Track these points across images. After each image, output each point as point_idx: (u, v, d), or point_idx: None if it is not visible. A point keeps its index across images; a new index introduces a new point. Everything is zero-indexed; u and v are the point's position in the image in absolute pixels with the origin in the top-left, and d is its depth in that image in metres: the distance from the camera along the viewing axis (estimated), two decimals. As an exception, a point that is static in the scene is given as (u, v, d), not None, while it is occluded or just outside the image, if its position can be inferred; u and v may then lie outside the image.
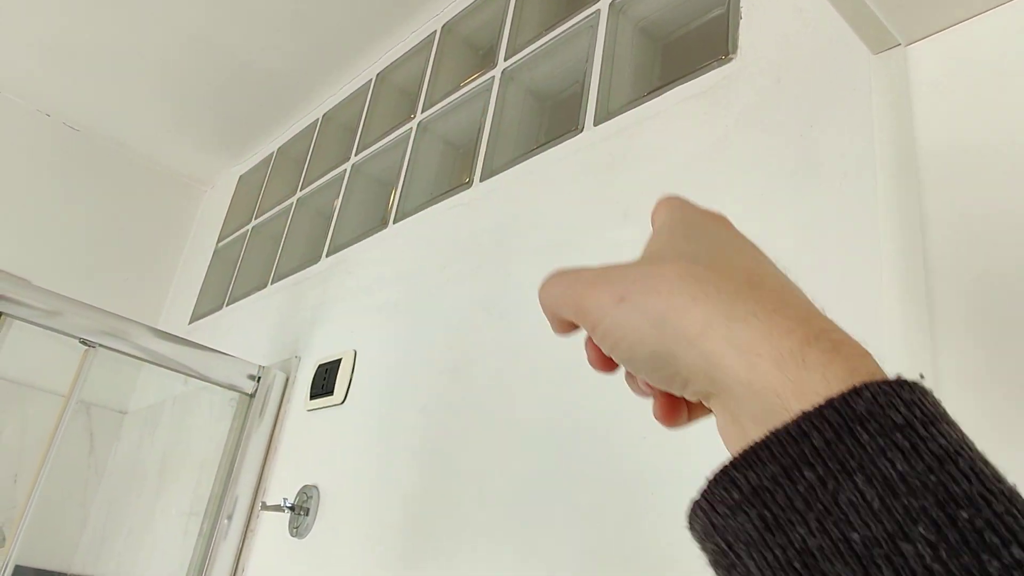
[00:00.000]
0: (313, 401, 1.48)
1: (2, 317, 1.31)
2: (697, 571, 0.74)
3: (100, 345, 1.40)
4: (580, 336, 0.33)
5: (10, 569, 1.38)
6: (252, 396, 1.58)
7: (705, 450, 0.78)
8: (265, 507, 1.40)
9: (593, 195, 1.10)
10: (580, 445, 0.93)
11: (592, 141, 1.16)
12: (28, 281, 1.37)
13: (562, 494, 0.92)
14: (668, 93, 1.06)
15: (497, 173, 1.33)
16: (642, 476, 0.84)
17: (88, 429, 2.23)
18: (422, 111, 1.63)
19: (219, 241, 2.32)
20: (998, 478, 0.21)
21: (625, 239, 1.01)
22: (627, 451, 0.87)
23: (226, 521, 1.51)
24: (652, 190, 1.01)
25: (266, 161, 2.30)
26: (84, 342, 1.39)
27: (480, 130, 1.43)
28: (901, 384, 0.23)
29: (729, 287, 0.27)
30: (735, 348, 0.26)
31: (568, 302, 0.32)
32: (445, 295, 1.30)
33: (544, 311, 0.34)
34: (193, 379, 1.58)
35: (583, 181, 1.14)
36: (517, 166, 1.29)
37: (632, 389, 0.34)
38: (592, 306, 0.30)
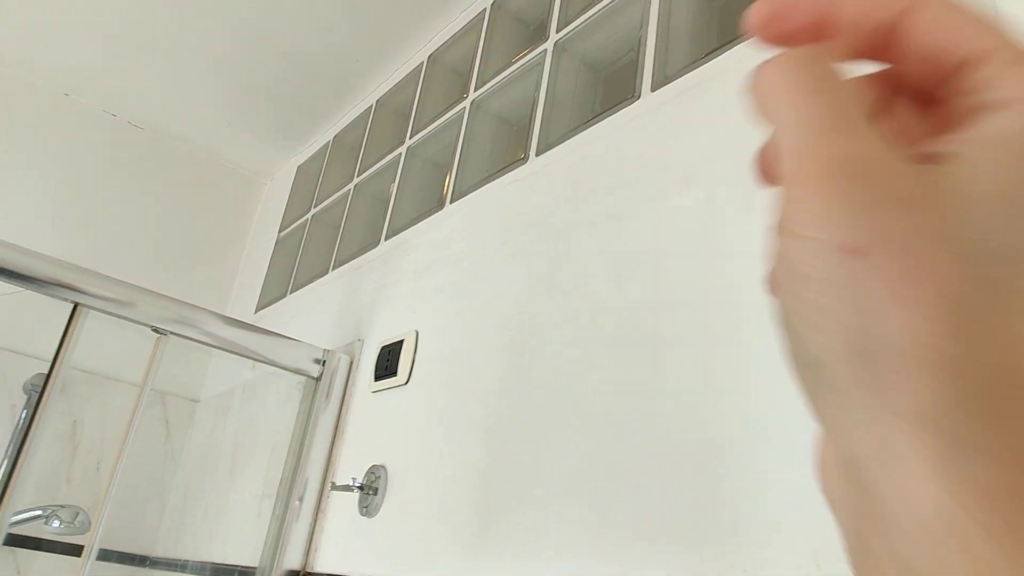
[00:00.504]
0: (378, 383, 1.49)
1: (79, 308, 1.35)
2: (763, 537, 0.71)
3: (171, 333, 1.43)
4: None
5: (95, 552, 1.43)
6: (318, 380, 1.61)
7: (772, 417, 0.76)
8: (335, 487, 1.42)
9: (653, 162, 1.08)
10: (648, 414, 0.91)
11: (650, 107, 1.13)
12: (101, 274, 1.41)
13: (633, 463, 0.91)
14: (729, 52, 1.02)
15: (553, 147, 1.31)
16: (712, 442, 0.82)
17: (164, 418, 2.30)
18: (475, 90, 1.62)
19: (280, 231, 2.36)
20: None
21: (688, 205, 0.98)
22: (696, 418, 0.85)
23: (297, 503, 1.54)
24: (715, 153, 0.98)
25: (323, 150, 2.33)
26: (156, 330, 1.42)
27: (534, 105, 1.41)
28: None
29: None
30: (944, 506, 0.14)
31: (788, 139, 0.18)
32: (505, 272, 1.29)
33: (754, 105, 0.20)
34: (261, 364, 1.61)
35: (642, 148, 1.11)
36: (573, 138, 1.27)
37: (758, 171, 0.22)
38: (804, 198, 0.16)
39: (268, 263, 2.34)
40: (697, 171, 0.99)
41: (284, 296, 2.14)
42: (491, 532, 1.07)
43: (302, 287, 2.05)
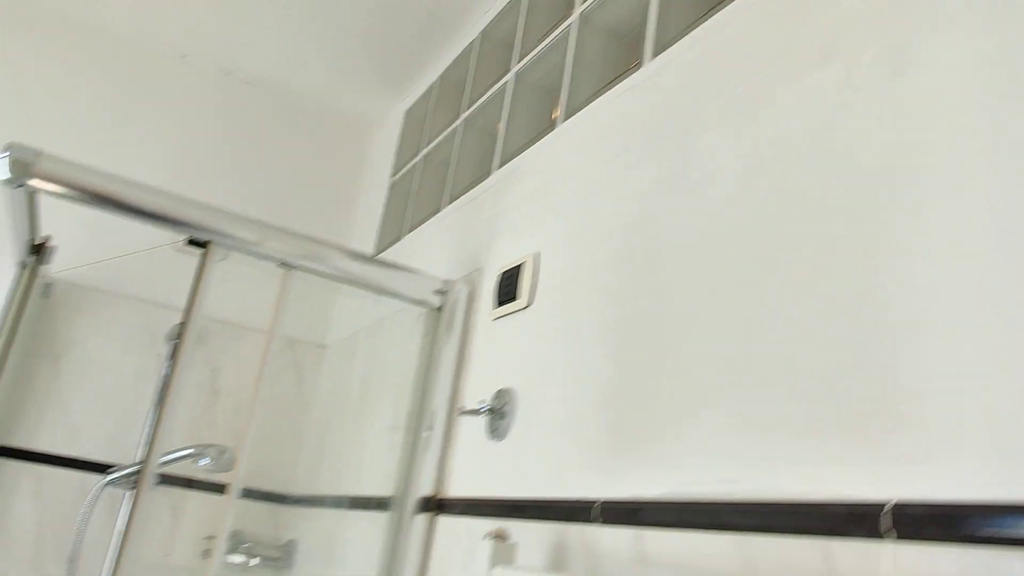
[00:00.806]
0: (498, 309, 1.48)
1: (210, 245, 1.40)
2: (937, 429, 0.63)
3: (298, 267, 1.47)
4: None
5: (239, 490, 1.48)
6: (440, 310, 1.61)
7: (935, 300, 0.68)
8: (464, 412, 1.43)
9: (783, 42, 0.99)
10: (791, 307, 0.85)
11: (778, -15, 1.04)
12: (232, 212, 1.45)
13: (779, 361, 0.85)
14: (868, -93, 0.92)
15: (670, 46, 1.24)
16: (870, 330, 0.75)
17: (294, 363, 2.40)
18: (581, 2, 1.56)
19: (393, 175, 2.38)
20: None
21: (827, 82, 0.90)
22: (848, 307, 0.78)
23: (427, 432, 1.56)
24: (857, 19, 0.89)
25: (428, 92, 2.33)
26: (284, 264, 1.46)
27: (647, 7, 1.34)
28: None
29: None
30: None
31: None
32: (625, 181, 1.23)
33: None
34: (384, 300, 1.63)
35: (770, 30, 1.03)
36: (692, 32, 1.19)
37: None
38: None
39: (383, 207, 2.37)
40: (836, 43, 0.91)
41: (400, 238, 2.16)
42: (625, 445, 1.04)
43: (417, 227, 2.06)
